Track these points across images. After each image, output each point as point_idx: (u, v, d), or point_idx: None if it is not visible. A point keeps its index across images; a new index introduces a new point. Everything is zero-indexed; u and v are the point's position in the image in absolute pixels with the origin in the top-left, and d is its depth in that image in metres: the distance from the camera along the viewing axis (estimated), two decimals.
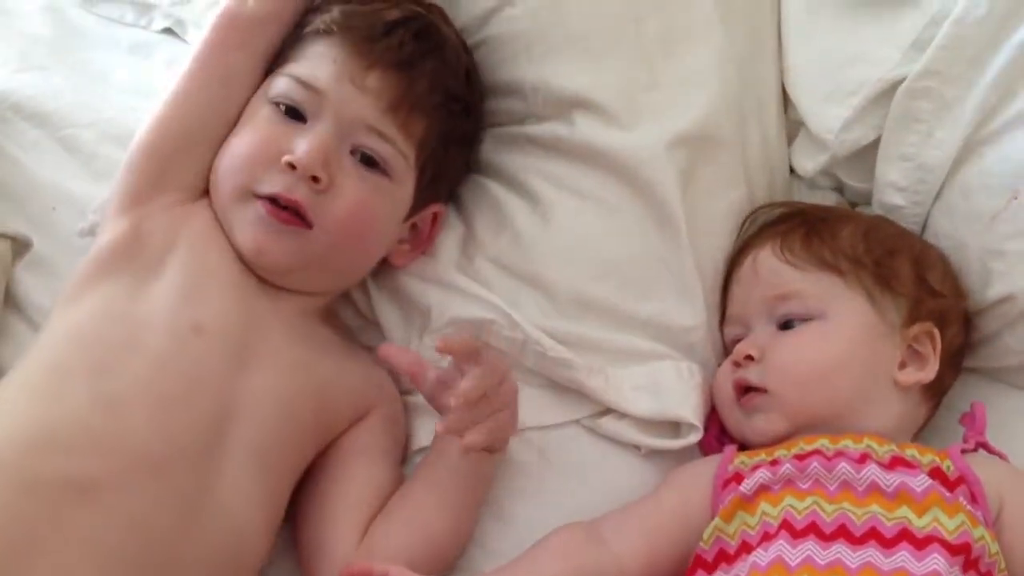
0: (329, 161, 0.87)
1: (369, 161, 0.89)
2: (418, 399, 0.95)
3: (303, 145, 0.86)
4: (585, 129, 0.97)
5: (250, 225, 0.88)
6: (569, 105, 0.98)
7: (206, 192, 0.92)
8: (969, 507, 0.79)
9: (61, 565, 0.72)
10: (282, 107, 0.90)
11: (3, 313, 0.98)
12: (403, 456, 0.95)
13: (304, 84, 0.89)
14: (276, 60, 0.94)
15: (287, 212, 0.87)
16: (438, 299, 0.95)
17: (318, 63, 0.90)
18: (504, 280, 0.96)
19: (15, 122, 1.13)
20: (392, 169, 0.90)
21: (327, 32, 0.91)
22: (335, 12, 0.93)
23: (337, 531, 0.87)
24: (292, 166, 0.86)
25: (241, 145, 0.90)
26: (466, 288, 0.95)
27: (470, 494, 0.89)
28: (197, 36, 1.27)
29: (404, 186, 0.92)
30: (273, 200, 0.87)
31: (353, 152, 0.89)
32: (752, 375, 0.89)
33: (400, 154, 0.90)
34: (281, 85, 0.90)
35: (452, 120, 0.94)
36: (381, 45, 0.90)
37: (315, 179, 0.86)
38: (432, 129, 0.92)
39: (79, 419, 0.77)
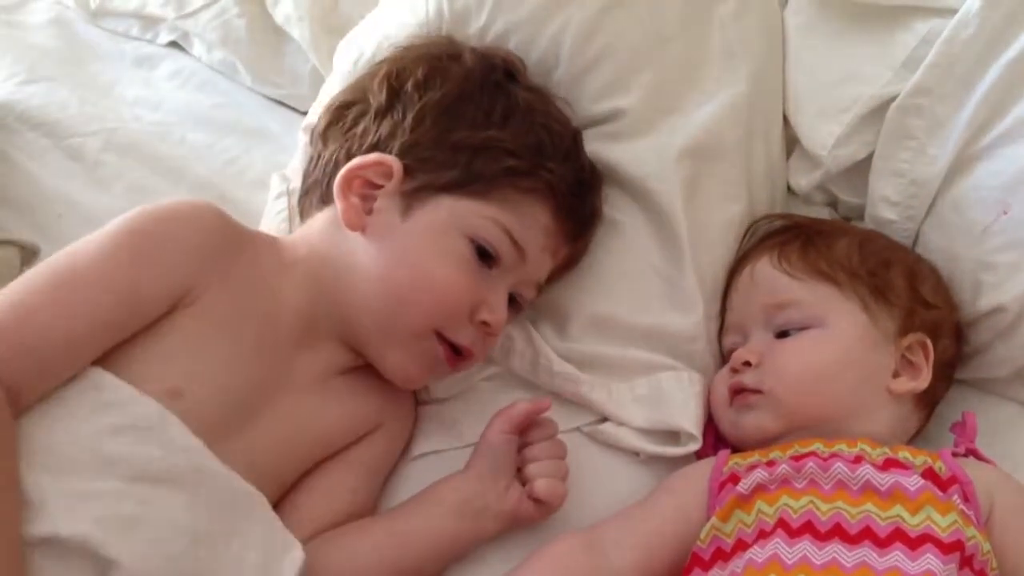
0: None
1: (511, 300, 0.91)
2: (424, 408, 0.97)
3: (497, 305, 0.87)
4: (591, 143, 0.98)
5: (419, 358, 0.87)
6: (589, 123, 0.99)
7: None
8: (962, 506, 0.80)
9: None
10: (477, 246, 0.87)
11: None
12: (392, 466, 0.95)
13: (514, 242, 0.88)
14: (465, 176, 0.88)
15: (459, 358, 0.88)
16: None
17: (531, 225, 0.89)
18: None
19: (22, 131, 1.15)
20: (524, 309, 0.94)
21: (552, 196, 0.90)
22: (566, 178, 0.91)
23: None
24: (487, 323, 0.87)
25: (446, 286, 0.86)
26: None
27: (437, 551, 0.88)
28: (202, 49, 1.30)
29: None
30: (451, 344, 0.87)
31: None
32: (748, 379, 0.90)
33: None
34: (488, 232, 0.87)
35: None
36: (586, 228, 0.95)
37: (492, 334, 0.88)
38: None
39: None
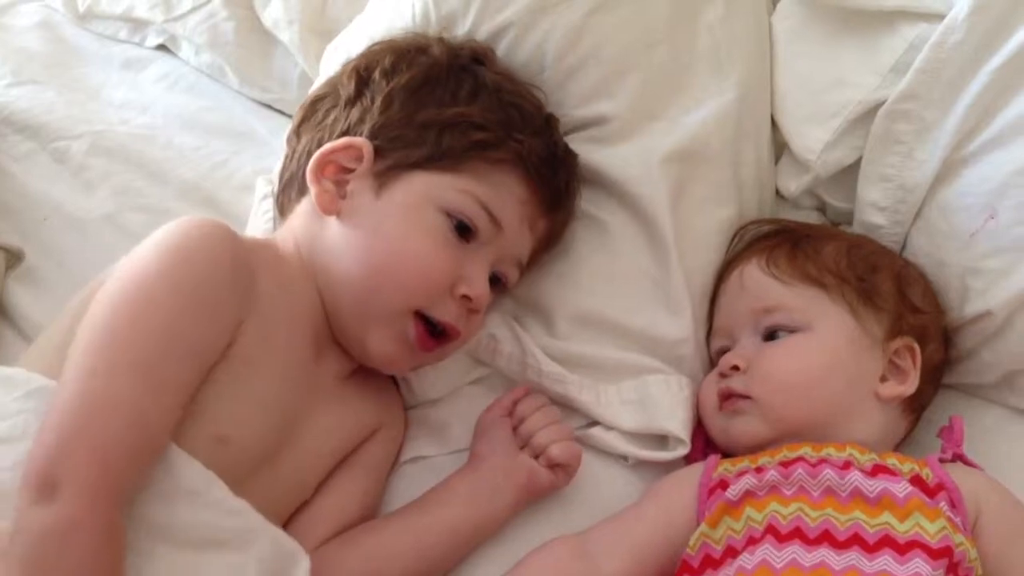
0: None
1: (495, 280, 0.91)
2: (413, 412, 0.97)
3: (477, 278, 0.86)
4: (576, 146, 0.98)
5: (394, 340, 0.85)
6: (574, 128, 0.99)
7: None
8: (949, 513, 0.80)
9: None
10: (454, 220, 0.86)
11: None
12: (392, 467, 0.95)
13: (490, 214, 0.87)
14: (435, 152, 0.87)
15: (434, 340, 0.86)
16: None
17: (506, 196, 0.88)
18: (501, 300, 0.98)
19: (7, 135, 1.15)
20: (508, 288, 0.94)
21: (523, 166, 0.89)
22: (536, 149, 0.90)
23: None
24: (468, 298, 0.86)
25: (422, 260, 0.85)
26: None
27: (449, 547, 0.89)
28: (190, 52, 1.30)
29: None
30: (427, 321, 0.85)
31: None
32: (737, 384, 0.90)
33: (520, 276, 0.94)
34: (463, 204, 0.86)
35: None
36: (564, 200, 0.94)
37: (475, 310, 0.87)
38: None
39: None
